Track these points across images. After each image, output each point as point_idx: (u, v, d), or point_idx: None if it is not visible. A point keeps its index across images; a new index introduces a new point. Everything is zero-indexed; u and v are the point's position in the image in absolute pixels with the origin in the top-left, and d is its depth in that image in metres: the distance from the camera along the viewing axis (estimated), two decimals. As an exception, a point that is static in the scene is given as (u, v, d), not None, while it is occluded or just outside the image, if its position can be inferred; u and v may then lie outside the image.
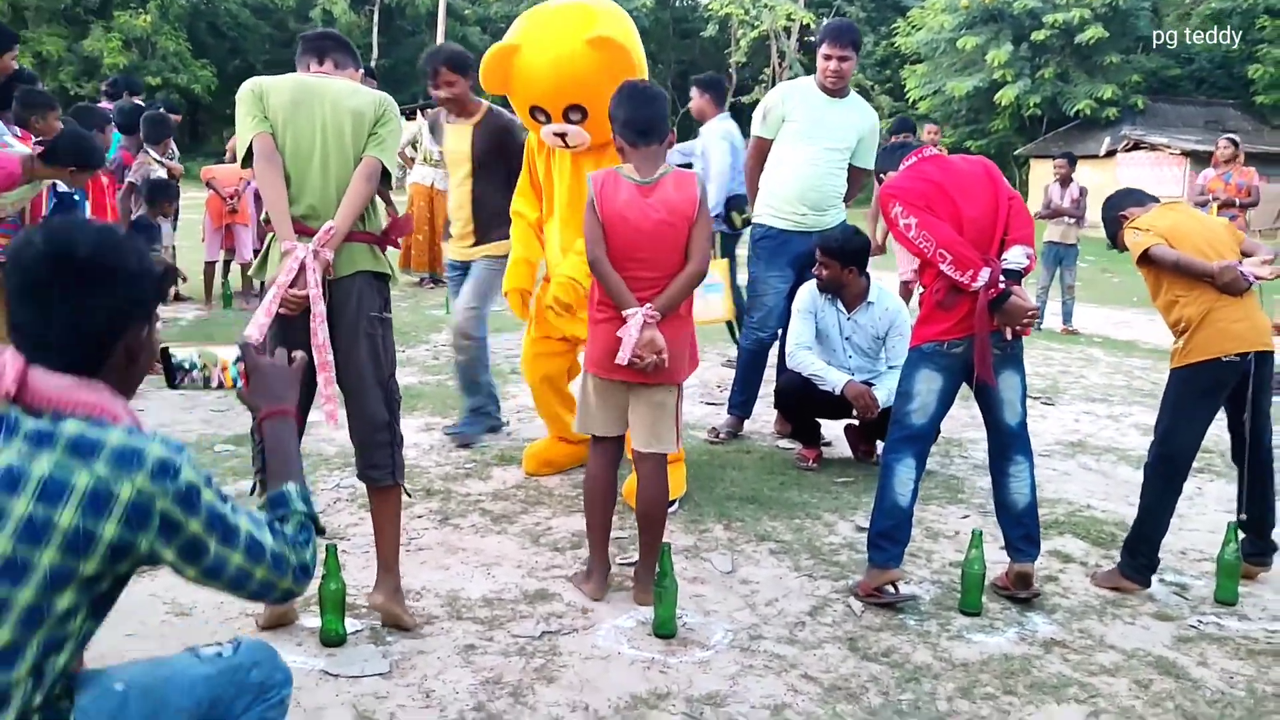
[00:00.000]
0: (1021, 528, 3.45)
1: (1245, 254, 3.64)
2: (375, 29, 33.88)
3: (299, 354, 1.98)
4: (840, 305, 4.92)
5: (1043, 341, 8.86)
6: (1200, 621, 3.37)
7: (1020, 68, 25.69)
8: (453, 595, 3.36)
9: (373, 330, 3.03)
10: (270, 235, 2.99)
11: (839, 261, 4.77)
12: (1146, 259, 3.63)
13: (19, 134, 5.24)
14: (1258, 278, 3.54)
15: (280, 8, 33.53)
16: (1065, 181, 9.14)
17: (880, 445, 5.05)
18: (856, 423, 5.02)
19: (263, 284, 3.06)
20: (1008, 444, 3.48)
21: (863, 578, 3.47)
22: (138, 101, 9.37)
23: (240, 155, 2.99)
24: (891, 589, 3.39)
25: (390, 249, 3.30)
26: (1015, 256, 3.35)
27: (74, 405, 1.61)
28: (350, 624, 3.09)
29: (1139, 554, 3.58)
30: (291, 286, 2.84)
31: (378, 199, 3.14)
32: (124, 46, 27.54)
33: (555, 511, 4.17)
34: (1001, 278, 3.29)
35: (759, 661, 2.99)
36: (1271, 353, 3.57)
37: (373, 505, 3.16)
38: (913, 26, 28.92)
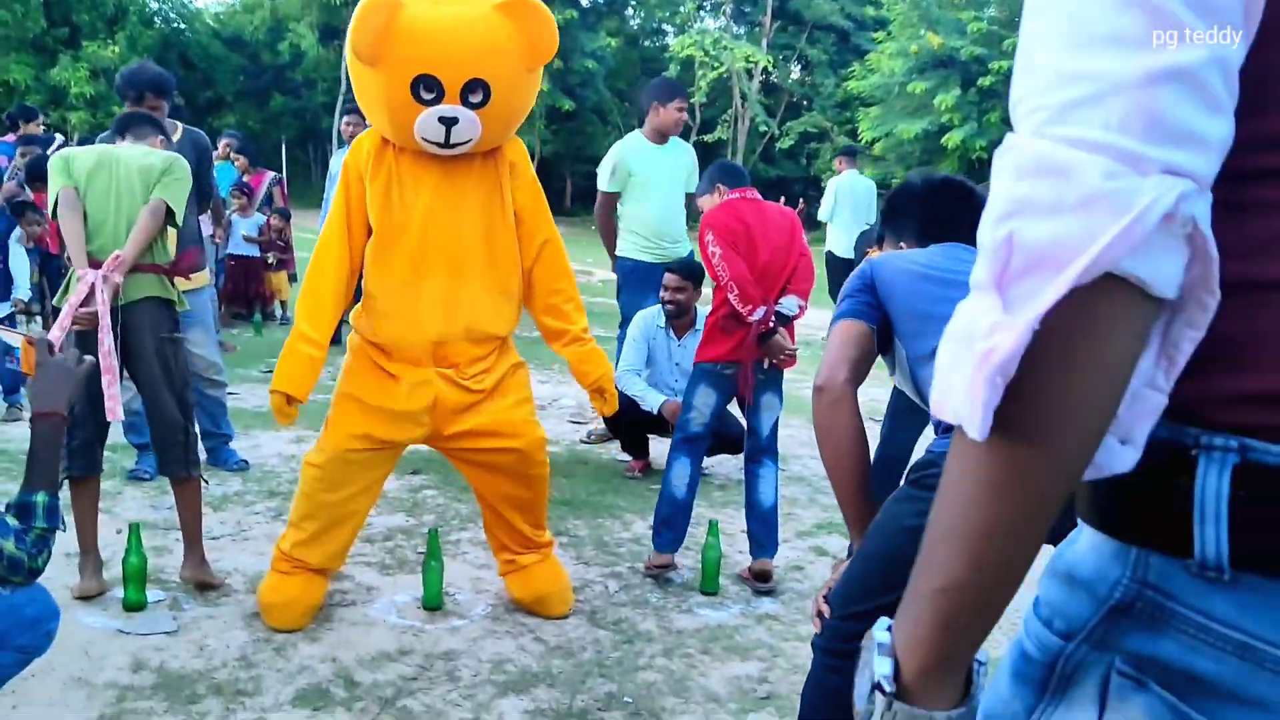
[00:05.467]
0: (764, 526, 3.97)
1: None
2: (344, 63, 34.45)
3: (89, 358, 2.39)
4: (672, 334, 5.47)
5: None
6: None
7: (967, 112, 26.54)
8: (257, 575, 3.82)
9: (162, 348, 3.59)
10: (71, 270, 3.53)
11: (693, 283, 5.27)
12: None
13: None
14: None
15: (251, 40, 34.17)
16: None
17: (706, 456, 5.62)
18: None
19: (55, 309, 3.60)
20: (760, 450, 4.02)
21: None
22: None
23: (50, 208, 3.58)
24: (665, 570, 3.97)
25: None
26: (788, 303, 3.92)
27: None
28: (155, 594, 3.57)
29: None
30: (83, 306, 3.38)
31: (169, 237, 3.71)
32: (91, 77, 28.00)
33: (380, 511, 4.65)
34: (773, 319, 3.85)
35: (504, 628, 3.49)
36: None
37: (175, 495, 3.68)
38: (868, 70, 29.79)
